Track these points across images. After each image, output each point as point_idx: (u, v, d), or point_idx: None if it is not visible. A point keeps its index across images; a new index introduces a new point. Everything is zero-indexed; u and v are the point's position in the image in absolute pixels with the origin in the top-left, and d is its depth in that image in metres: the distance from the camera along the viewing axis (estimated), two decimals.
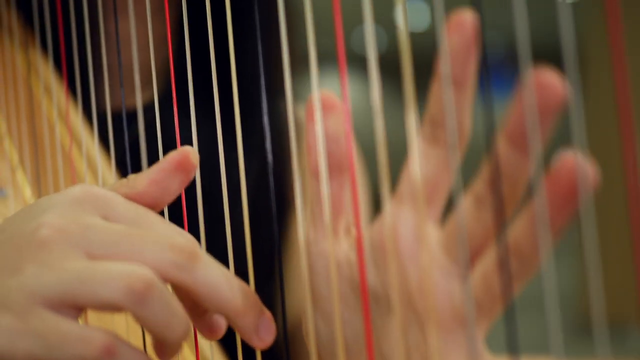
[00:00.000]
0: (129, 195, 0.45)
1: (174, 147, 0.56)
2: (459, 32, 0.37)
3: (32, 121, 0.72)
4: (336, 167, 0.44)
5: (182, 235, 0.44)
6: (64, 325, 0.39)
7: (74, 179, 0.69)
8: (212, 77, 0.52)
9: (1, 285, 0.41)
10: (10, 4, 0.76)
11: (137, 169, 0.59)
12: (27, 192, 0.71)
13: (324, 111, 0.43)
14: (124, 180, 0.47)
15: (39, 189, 0.70)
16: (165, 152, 0.56)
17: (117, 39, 0.62)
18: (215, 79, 0.51)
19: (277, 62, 0.79)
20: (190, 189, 0.49)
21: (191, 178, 0.46)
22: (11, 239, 0.42)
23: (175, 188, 0.46)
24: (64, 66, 0.67)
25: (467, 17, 0.37)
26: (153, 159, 0.57)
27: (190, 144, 0.54)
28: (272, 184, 0.47)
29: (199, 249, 0.43)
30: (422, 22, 8.93)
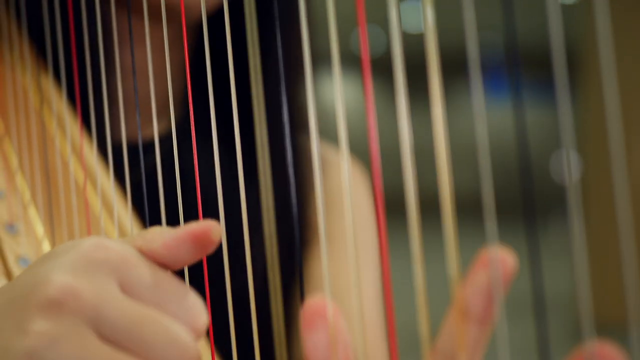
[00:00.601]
0: (143, 249, 0.43)
1: (192, 180, 0.54)
2: (489, 270, 0.36)
3: (44, 156, 0.70)
4: None
5: (194, 315, 0.42)
6: None
7: (88, 216, 0.67)
8: (226, 106, 0.50)
9: (7, 346, 0.38)
10: (22, 34, 0.74)
11: (154, 205, 0.57)
12: (39, 229, 0.69)
13: (319, 320, 0.40)
14: (144, 231, 0.44)
15: (52, 226, 0.68)
16: (183, 187, 0.54)
17: (133, 69, 0.60)
18: (236, 110, 0.49)
19: (298, 92, 0.79)
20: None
21: (207, 253, 0.44)
22: (20, 293, 0.40)
23: (185, 259, 0.43)
24: (77, 99, 0.65)
25: (504, 257, 0.36)
26: (170, 194, 0.55)
27: (209, 177, 0.51)
28: (295, 217, 0.45)
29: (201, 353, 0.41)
30: (420, 23, 9.01)
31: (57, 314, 0.38)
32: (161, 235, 0.43)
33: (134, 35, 0.69)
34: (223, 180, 0.51)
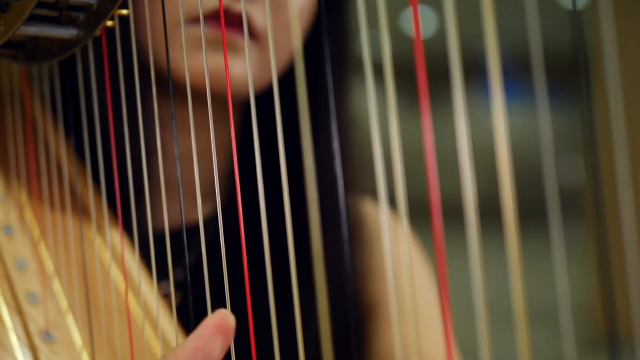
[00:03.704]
0: None
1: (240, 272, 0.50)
2: None
3: (83, 262, 0.67)
4: None
5: None
6: None
7: (129, 325, 0.63)
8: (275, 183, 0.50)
9: None
10: (58, 133, 0.72)
11: (199, 297, 0.53)
12: (77, 337, 0.65)
13: None
14: (169, 352, 0.46)
15: (91, 335, 0.64)
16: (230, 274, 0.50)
17: (176, 155, 0.57)
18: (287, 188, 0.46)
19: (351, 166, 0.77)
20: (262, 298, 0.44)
21: (231, 341, 0.46)
22: None
23: (218, 352, 0.45)
24: (118, 203, 0.61)
25: None
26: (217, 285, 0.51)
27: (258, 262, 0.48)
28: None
29: None
30: (428, 28, 9.02)
31: None
32: (186, 345, 0.45)
33: (172, 119, 0.70)
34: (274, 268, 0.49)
